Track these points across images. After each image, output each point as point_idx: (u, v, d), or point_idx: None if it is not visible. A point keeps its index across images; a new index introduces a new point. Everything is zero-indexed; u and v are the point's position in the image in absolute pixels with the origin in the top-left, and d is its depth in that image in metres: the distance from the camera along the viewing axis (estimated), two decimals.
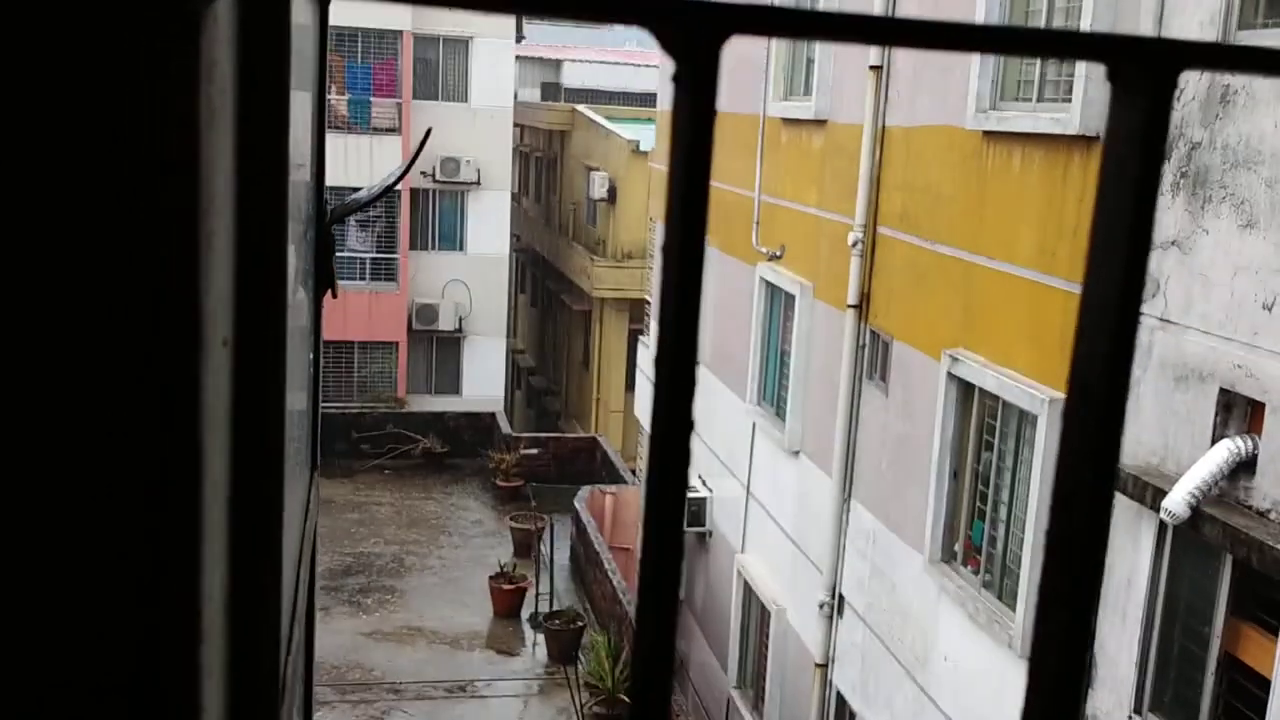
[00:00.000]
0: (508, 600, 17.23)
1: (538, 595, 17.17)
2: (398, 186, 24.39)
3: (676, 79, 0.37)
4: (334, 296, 1.81)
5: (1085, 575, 0.46)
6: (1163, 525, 6.43)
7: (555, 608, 16.83)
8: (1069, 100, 7.60)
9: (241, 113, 0.65)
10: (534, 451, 22.55)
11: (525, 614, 17.24)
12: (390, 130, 24.60)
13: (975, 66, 8.60)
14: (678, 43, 0.37)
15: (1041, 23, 8.12)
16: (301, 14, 1.52)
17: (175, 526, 0.54)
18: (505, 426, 24.41)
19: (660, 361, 0.40)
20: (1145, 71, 0.43)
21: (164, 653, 0.56)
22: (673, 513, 0.42)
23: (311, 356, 1.75)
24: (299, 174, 1.50)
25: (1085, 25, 7.31)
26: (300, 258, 1.50)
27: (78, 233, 0.48)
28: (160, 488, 0.52)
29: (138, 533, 0.53)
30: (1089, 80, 7.30)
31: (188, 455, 0.52)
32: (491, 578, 17.49)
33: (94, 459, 0.51)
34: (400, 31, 24.68)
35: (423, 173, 24.95)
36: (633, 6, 0.37)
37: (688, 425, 0.42)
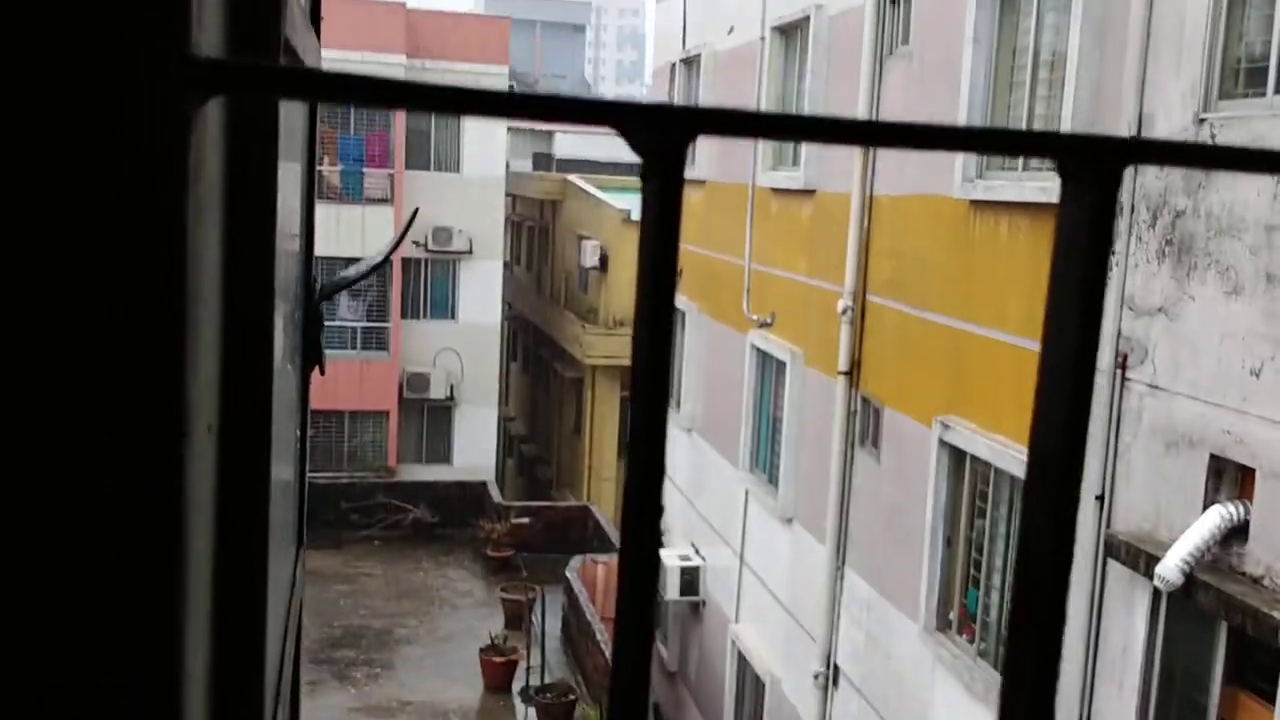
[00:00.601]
0: (498, 673, 16.99)
1: (529, 668, 16.94)
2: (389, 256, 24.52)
3: (643, 176, 0.39)
4: (321, 373, 1.81)
5: (1048, 643, 0.46)
6: (1156, 592, 6.39)
7: (547, 680, 16.60)
8: (1054, 171, 7.69)
9: (229, 205, 0.66)
10: (525, 521, 22.39)
11: (516, 687, 16.99)
12: (382, 200, 24.78)
13: None
14: (644, 143, 0.38)
15: (1025, 93, 8.26)
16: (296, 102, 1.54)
17: (157, 610, 0.54)
18: (496, 495, 24.26)
19: (629, 485, 0.41)
20: (1091, 168, 0.45)
21: None
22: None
23: (299, 433, 1.74)
24: (288, 245, 1.51)
25: (1069, 95, 7.43)
26: (288, 335, 1.50)
27: (60, 326, 0.48)
28: (141, 571, 0.52)
29: (120, 614, 0.52)
30: None
31: (169, 543, 0.52)
32: (482, 650, 17.26)
33: (73, 546, 0.50)
34: None
35: (415, 242, 25.08)
36: (602, 110, 0.39)
37: (657, 510, 0.43)
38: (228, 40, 0.62)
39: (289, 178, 1.48)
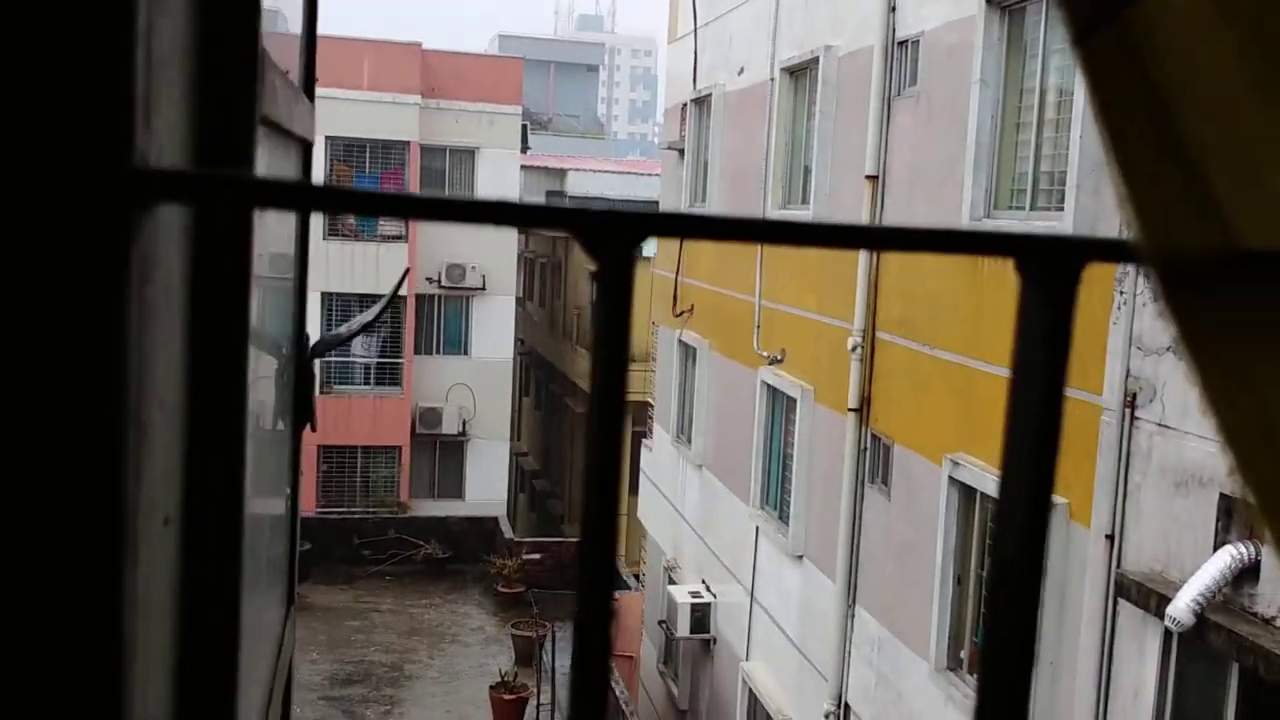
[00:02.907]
0: (509, 711, 16.91)
1: (539, 705, 16.85)
2: (403, 292, 24.65)
3: (595, 276, 0.41)
4: (313, 430, 1.83)
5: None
6: (1168, 633, 6.35)
7: (557, 718, 16.50)
8: (1061, 209, 7.73)
9: (195, 298, 0.65)
10: (536, 557, 22.36)
11: None
12: (396, 238, 24.95)
13: (969, 175, 8.77)
14: (596, 246, 0.41)
15: (1032, 133, 8.30)
16: (283, 167, 1.53)
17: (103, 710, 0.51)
18: (508, 531, 24.23)
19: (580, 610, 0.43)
20: (1048, 267, 0.45)
21: None
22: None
23: (289, 490, 1.75)
24: (277, 299, 1.51)
25: (1075, 136, 7.48)
26: (280, 394, 1.51)
27: None
28: (87, 677, 0.50)
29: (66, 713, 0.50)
30: (1080, 189, 7.44)
31: (112, 652, 0.50)
32: (492, 687, 17.19)
33: (17, 659, 0.49)
34: (408, 142, 25.21)
35: (428, 279, 25.23)
36: (558, 216, 0.41)
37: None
38: (195, 134, 0.62)
39: (277, 225, 1.48)
